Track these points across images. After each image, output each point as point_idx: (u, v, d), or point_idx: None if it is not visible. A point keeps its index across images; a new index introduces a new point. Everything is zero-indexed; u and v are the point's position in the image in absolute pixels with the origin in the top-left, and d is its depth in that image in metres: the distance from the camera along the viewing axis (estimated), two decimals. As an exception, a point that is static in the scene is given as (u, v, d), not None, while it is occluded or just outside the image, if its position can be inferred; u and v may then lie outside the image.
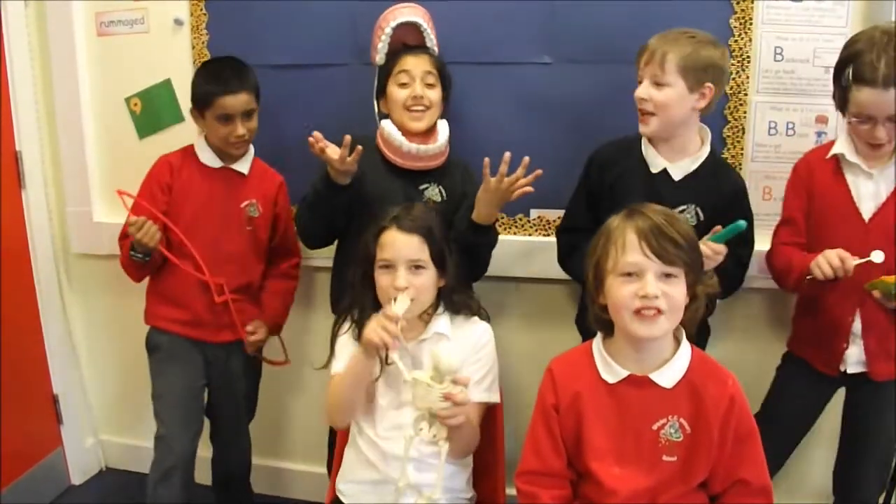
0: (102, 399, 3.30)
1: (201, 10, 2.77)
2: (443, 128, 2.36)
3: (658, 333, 1.66)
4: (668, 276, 1.63)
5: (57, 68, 2.94)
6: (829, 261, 1.99)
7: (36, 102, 2.99)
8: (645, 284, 1.61)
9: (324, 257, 2.64)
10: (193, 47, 2.80)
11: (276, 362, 2.69)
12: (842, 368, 2.19)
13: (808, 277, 2.07)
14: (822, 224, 2.18)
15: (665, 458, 1.69)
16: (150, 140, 2.89)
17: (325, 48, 2.70)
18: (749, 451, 1.70)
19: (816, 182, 2.19)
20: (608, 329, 1.76)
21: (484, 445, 2.08)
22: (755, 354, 2.47)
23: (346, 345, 2.04)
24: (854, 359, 2.18)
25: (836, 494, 2.37)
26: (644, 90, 2.10)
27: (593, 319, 1.77)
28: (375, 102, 2.45)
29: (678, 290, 1.64)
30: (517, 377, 2.64)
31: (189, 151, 2.53)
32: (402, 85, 2.32)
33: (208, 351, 2.55)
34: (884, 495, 2.45)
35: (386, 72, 2.36)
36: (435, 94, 2.34)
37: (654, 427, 1.69)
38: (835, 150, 2.16)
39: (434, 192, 2.36)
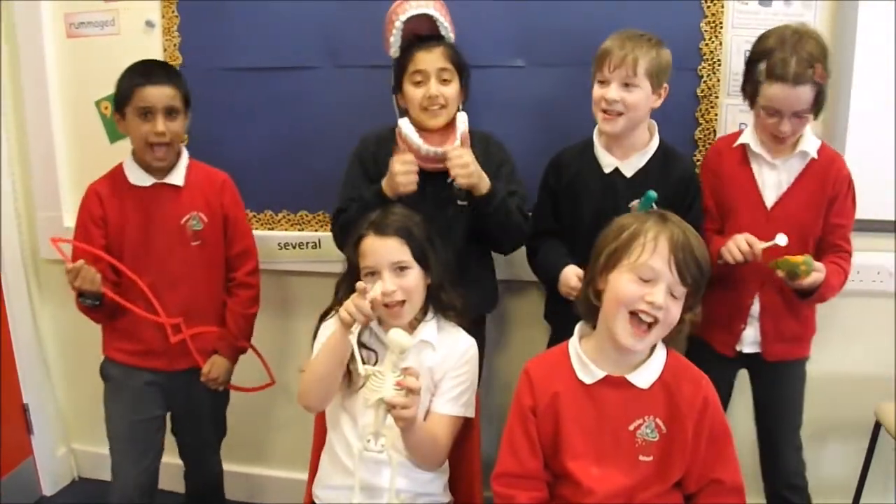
0: (74, 407, 3.26)
1: (173, 12, 2.75)
2: (460, 123, 2.29)
3: (641, 348, 1.69)
4: (675, 294, 1.65)
5: (25, 70, 2.90)
6: (738, 245, 2.11)
7: (3, 105, 2.95)
8: (654, 292, 1.63)
9: (297, 261, 2.64)
10: (165, 50, 2.78)
11: (250, 389, 2.66)
12: (738, 348, 2.31)
13: (719, 261, 2.15)
14: (728, 209, 2.29)
15: (641, 457, 1.71)
16: (122, 144, 2.79)
17: (297, 51, 2.69)
18: (723, 451, 1.73)
19: (724, 168, 2.31)
20: (591, 315, 1.77)
21: (460, 453, 2.09)
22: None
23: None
24: (750, 339, 2.32)
25: (766, 483, 2.44)
26: (615, 92, 2.15)
27: (582, 301, 1.78)
28: (393, 98, 2.40)
29: (677, 311, 1.66)
30: (491, 377, 2.64)
31: (117, 174, 2.38)
32: (417, 83, 2.27)
33: (166, 379, 2.44)
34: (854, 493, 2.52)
35: (401, 67, 2.30)
36: (451, 90, 2.28)
37: (631, 427, 1.71)
38: (741, 139, 2.27)
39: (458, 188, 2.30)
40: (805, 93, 2.06)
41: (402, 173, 2.16)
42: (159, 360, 2.40)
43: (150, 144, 2.28)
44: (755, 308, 2.28)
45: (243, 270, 2.52)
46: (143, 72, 2.29)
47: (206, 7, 2.72)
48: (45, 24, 2.85)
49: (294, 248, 2.80)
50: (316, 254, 2.77)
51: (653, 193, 2.04)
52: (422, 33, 2.30)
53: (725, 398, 2.39)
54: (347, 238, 2.12)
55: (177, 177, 2.38)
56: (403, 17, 2.26)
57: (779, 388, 2.35)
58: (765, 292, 2.26)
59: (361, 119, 2.46)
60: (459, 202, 2.28)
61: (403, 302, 1.94)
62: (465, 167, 2.16)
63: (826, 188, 2.20)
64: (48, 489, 3.19)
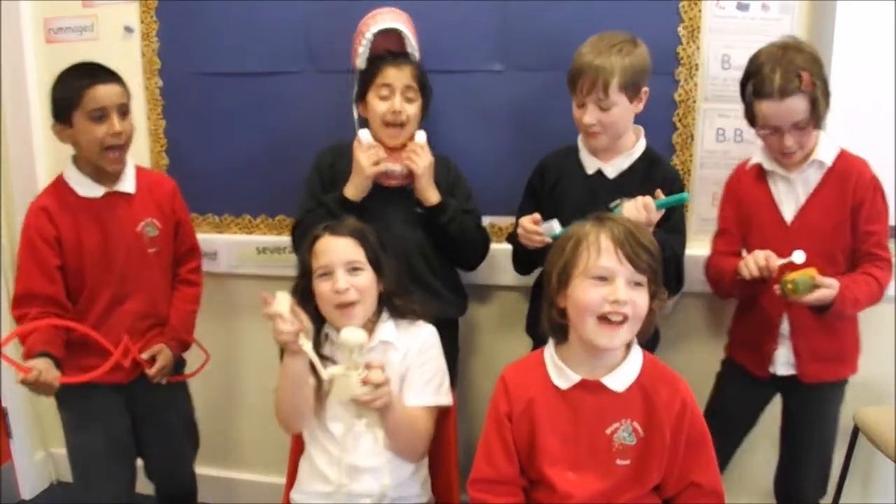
0: (52, 412, 3.17)
1: (152, 17, 2.75)
2: (419, 138, 2.35)
3: (618, 344, 1.68)
4: (636, 284, 1.64)
5: (5, 76, 2.89)
6: (756, 260, 2.06)
7: (-17, 110, 2.93)
8: (616, 289, 1.62)
9: (276, 265, 2.63)
10: (144, 55, 2.78)
11: (190, 375, 2.56)
12: (771, 370, 2.26)
13: (737, 277, 2.13)
14: (749, 230, 2.27)
15: (619, 461, 1.71)
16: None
17: (277, 55, 2.69)
18: (701, 455, 1.73)
19: (744, 191, 2.29)
20: (561, 334, 1.76)
21: (437, 450, 2.09)
22: (697, 357, 2.53)
23: None
24: (782, 359, 2.26)
25: (778, 498, 2.43)
26: (591, 117, 2.15)
27: (548, 323, 1.77)
28: (354, 107, 2.43)
29: (644, 299, 1.66)
30: (471, 382, 2.64)
31: (61, 187, 2.25)
32: (383, 97, 2.30)
33: (126, 389, 2.33)
34: (833, 497, 2.51)
35: (368, 78, 2.34)
36: (414, 108, 2.33)
37: (608, 431, 1.70)
38: (754, 160, 2.26)
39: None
40: (796, 104, 2.04)
41: (368, 157, 2.26)
42: (116, 375, 2.24)
43: (105, 147, 2.19)
44: (784, 327, 2.23)
45: (187, 267, 2.50)
46: (87, 73, 2.18)
47: (185, 12, 2.72)
48: (24, 30, 2.85)
49: (272, 252, 2.79)
50: (294, 258, 2.73)
51: (685, 195, 2.08)
52: (389, 48, 2.35)
53: (751, 422, 2.42)
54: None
55: (127, 184, 2.31)
56: (375, 29, 2.31)
57: (813, 411, 2.30)
58: (793, 311, 2.19)
59: (341, 123, 2.46)
60: (418, 210, 2.33)
61: (356, 302, 1.94)
62: (420, 157, 2.29)
63: (846, 196, 2.15)
64: (27, 493, 3.19)
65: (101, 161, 2.21)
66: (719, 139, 2.52)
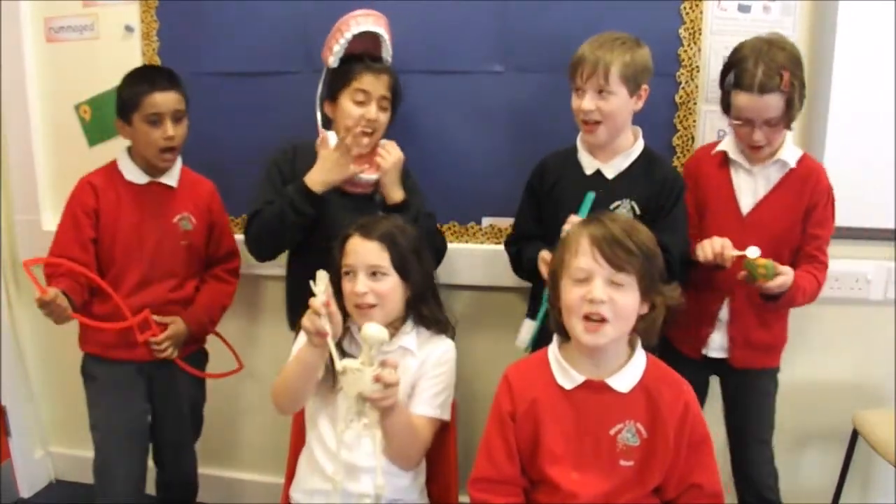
0: (52, 410, 3.24)
1: (152, 17, 2.75)
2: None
3: (602, 342, 1.67)
4: (617, 284, 1.64)
5: (5, 74, 2.88)
6: (713, 246, 2.09)
7: (-18, 109, 2.93)
8: (592, 288, 1.63)
9: (270, 266, 2.64)
10: (144, 54, 2.78)
11: (217, 375, 2.64)
12: (703, 352, 2.32)
13: (692, 258, 2.17)
14: (705, 215, 2.30)
15: (622, 462, 1.71)
16: (100, 148, 2.86)
17: (277, 56, 2.69)
18: (702, 457, 1.73)
19: (702, 175, 2.33)
20: (562, 331, 1.77)
21: (436, 458, 2.10)
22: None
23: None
24: (716, 344, 2.33)
25: (737, 490, 2.42)
26: (590, 102, 2.14)
27: (554, 323, 1.78)
28: (319, 104, 2.41)
29: (627, 299, 1.65)
30: (470, 384, 2.64)
31: (112, 169, 2.41)
32: (358, 103, 2.28)
33: (149, 368, 2.44)
34: (834, 494, 2.53)
35: (342, 80, 2.31)
36: (385, 117, 2.32)
37: (612, 432, 1.71)
38: (720, 147, 2.30)
39: (381, 197, 2.36)
40: (773, 101, 2.08)
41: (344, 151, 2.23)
42: (138, 351, 2.38)
43: (160, 149, 2.33)
44: (724, 313, 2.29)
45: (224, 267, 2.59)
46: (148, 79, 2.32)
47: (186, 11, 2.72)
48: (24, 29, 2.84)
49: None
50: (283, 258, 2.74)
51: (591, 194, 2.10)
52: (365, 50, 2.33)
53: (699, 404, 2.41)
54: (262, 244, 2.30)
55: (171, 178, 2.44)
56: (356, 30, 2.28)
57: (748, 396, 2.36)
58: (734, 299, 2.26)
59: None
60: (381, 214, 2.30)
61: (374, 306, 1.95)
62: (389, 154, 2.30)
63: (803, 198, 2.20)
64: (26, 491, 3.19)
65: (154, 160, 2.37)
66: (720, 141, 2.51)
